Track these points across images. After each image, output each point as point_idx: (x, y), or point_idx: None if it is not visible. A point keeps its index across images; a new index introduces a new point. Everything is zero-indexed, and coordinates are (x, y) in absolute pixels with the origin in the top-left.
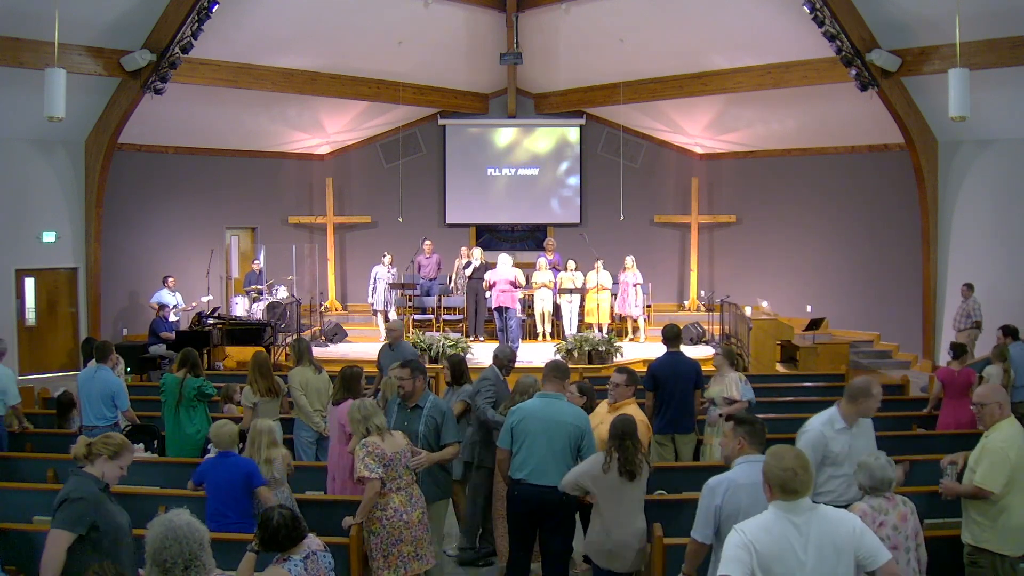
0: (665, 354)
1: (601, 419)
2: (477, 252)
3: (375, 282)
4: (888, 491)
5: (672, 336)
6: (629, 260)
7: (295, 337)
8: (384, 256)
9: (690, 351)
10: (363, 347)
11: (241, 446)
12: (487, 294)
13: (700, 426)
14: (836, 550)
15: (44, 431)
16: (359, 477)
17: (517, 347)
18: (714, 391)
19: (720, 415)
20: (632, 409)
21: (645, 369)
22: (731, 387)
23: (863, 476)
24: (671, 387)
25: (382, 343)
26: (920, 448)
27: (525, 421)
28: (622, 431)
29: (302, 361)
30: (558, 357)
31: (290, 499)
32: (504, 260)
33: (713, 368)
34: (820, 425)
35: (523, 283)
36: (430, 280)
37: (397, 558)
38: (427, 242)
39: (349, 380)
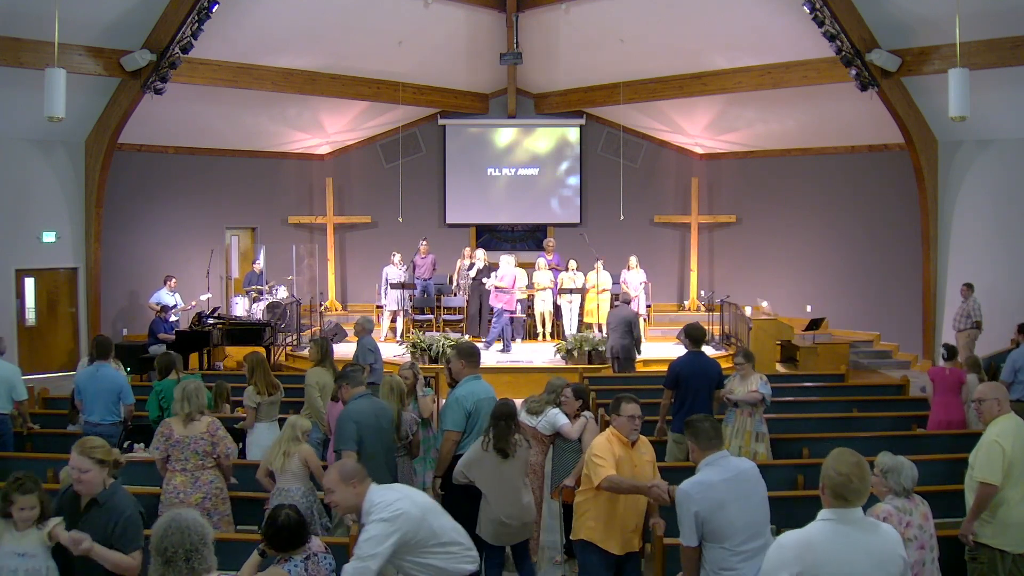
0: (688, 354)
1: (632, 460)
2: (480, 254)
3: (387, 282)
4: (912, 491)
5: (698, 337)
6: (634, 260)
7: (319, 337)
8: (394, 256)
9: None
10: None
11: (241, 445)
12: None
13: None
14: (880, 563)
15: (46, 431)
16: None
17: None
18: (740, 391)
19: (729, 399)
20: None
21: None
22: (754, 384)
23: (902, 478)
24: (694, 386)
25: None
26: (919, 448)
27: (480, 402)
28: (499, 413)
29: (324, 362)
30: (475, 344)
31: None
32: (508, 260)
33: (733, 369)
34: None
35: (523, 283)
36: (425, 280)
37: None
38: (423, 243)
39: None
